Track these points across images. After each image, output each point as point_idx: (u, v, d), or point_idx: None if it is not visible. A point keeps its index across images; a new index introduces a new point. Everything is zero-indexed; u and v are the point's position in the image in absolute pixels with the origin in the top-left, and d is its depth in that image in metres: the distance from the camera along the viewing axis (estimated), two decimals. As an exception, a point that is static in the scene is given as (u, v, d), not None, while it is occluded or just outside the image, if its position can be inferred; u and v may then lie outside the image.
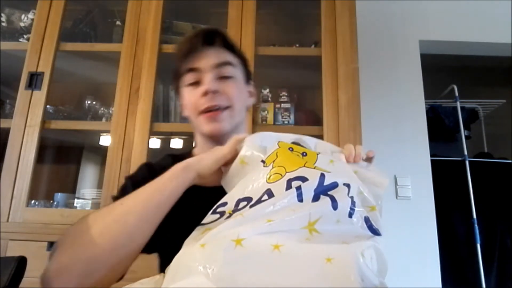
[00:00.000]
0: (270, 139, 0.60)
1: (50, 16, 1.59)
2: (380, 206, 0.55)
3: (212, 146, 0.63)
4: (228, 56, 0.76)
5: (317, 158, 0.57)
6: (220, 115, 0.72)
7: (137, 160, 1.41)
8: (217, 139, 0.72)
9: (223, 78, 0.74)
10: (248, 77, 0.82)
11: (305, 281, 0.39)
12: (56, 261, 0.49)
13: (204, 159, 0.60)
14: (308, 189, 0.49)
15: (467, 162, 2.09)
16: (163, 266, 0.70)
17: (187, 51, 0.73)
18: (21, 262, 0.58)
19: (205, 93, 0.71)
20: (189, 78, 0.74)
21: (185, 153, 0.79)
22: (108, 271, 0.50)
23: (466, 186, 2.03)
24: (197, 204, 0.65)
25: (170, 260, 0.64)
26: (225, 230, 0.45)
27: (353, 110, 1.45)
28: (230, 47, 0.78)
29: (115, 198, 0.60)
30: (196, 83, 0.74)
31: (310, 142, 0.63)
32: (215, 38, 0.75)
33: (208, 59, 0.73)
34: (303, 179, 0.51)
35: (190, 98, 0.74)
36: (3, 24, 1.71)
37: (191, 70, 0.73)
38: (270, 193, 0.50)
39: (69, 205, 1.59)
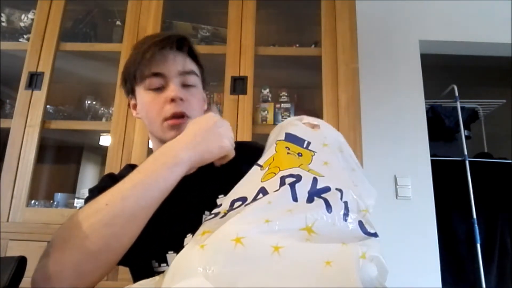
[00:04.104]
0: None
1: (50, 16, 1.60)
2: (371, 209, 0.54)
3: None
4: (193, 65, 0.76)
5: (311, 160, 0.57)
6: (183, 124, 0.69)
7: (137, 160, 1.41)
8: None
9: (187, 86, 0.73)
10: (204, 85, 0.82)
11: (305, 285, 0.40)
12: (45, 265, 0.49)
13: (207, 159, 0.59)
14: (302, 189, 0.50)
15: (467, 162, 2.09)
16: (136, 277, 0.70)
17: (154, 54, 0.70)
18: (21, 262, 0.58)
19: (172, 100, 0.69)
20: (153, 82, 0.71)
21: None
22: (98, 272, 0.50)
23: (466, 186, 2.03)
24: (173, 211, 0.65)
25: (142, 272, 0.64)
26: (224, 230, 0.45)
27: (353, 110, 1.45)
28: (194, 56, 0.77)
29: None
30: (159, 89, 0.71)
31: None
32: (183, 45, 0.73)
33: (175, 66, 0.71)
34: (297, 176, 0.51)
35: (151, 103, 0.72)
36: (3, 24, 1.71)
37: (156, 74, 0.71)
38: (264, 191, 0.51)
39: (69, 205, 1.59)
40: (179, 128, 0.69)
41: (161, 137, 0.73)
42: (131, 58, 0.74)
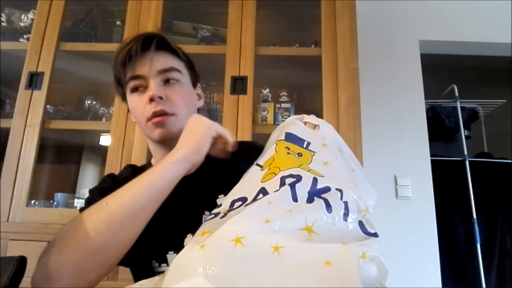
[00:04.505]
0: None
1: (50, 16, 1.59)
2: (371, 210, 0.54)
3: (164, 151, 0.63)
4: (173, 62, 0.74)
5: (311, 160, 0.57)
6: (166, 120, 0.70)
7: (137, 160, 1.41)
8: (167, 143, 0.70)
9: (169, 83, 0.72)
10: (195, 80, 0.80)
11: (305, 285, 0.39)
12: (45, 264, 0.49)
13: (202, 149, 0.60)
14: (302, 190, 0.50)
15: (467, 162, 2.09)
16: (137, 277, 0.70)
17: (127, 58, 0.69)
18: (21, 262, 0.58)
19: (151, 100, 0.69)
20: (134, 85, 0.72)
21: (145, 165, 0.79)
22: (97, 271, 0.50)
23: (466, 186, 2.03)
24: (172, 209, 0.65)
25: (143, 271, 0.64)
26: (224, 230, 0.45)
27: (353, 110, 1.45)
28: (173, 51, 0.75)
29: (82, 210, 0.59)
30: (141, 90, 0.71)
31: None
32: (156, 43, 0.71)
33: (152, 65, 0.70)
34: (297, 176, 0.51)
35: (136, 105, 0.72)
36: (3, 24, 1.71)
37: (135, 77, 0.71)
38: (264, 191, 0.51)
39: (69, 205, 1.59)
40: (164, 125, 0.70)
41: (150, 137, 0.74)
42: (112, 65, 0.74)
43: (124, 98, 0.78)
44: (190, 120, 0.65)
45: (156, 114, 0.69)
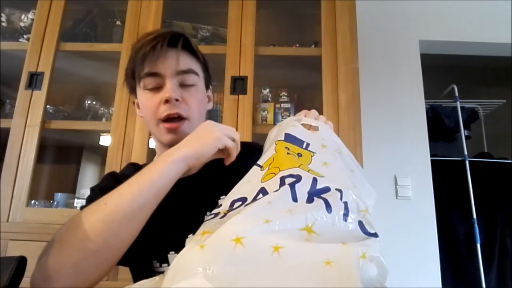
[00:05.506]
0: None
1: (50, 16, 1.60)
2: (371, 210, 0.54)
3: None
4: (192, 63, 0.73)
5: (311, 160, 0.57)
6: (179, 127, 0.69)
7: (137, 160, 1.41)
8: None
9: (185, 86, 0.71)
10: (208, 82, 0.79)
11: (305, 285, 0.39)
12: (44, 265, 0.49)
13: (203, 156, 0.59)
14: (302, 190, 0.50)
15: (467, 162, 2.09)
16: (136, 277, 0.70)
17: (148, 53, 0.67)
18: (21, 262, 0.58)
19: (167, 101, 0.67)
20: (148, 82, 0.70)
21: (147, 164, 0.78)
22: (97, 271, 0.50)
23: (466, 186, 2.03)
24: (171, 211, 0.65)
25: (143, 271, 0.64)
26: (223, 230, 0.45)
27: (353, 110, 1.45)
28: (193, 52, 0.73)
29: (82, 208, 0.59)
30: (157, 88, 0.70)
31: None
32: (178, 42, 0.69)
33: (171, 65, 0.69)
34: (296, 176, 0.51)
35: (149, 104, 0.70)
36: (3, 24, 1.71)
37: (151, 74, 0.69)
38: (264, 191, 0.51)
39: (69, 205, 1.59)
40: (176, 132, 0.69)
41: (159, 139, 0.73)
42: (129, 57, 0.73)
43: (132, 92, 0.77)
44: (202, 124, 0.63)
45: (169, 117, 0.68)
